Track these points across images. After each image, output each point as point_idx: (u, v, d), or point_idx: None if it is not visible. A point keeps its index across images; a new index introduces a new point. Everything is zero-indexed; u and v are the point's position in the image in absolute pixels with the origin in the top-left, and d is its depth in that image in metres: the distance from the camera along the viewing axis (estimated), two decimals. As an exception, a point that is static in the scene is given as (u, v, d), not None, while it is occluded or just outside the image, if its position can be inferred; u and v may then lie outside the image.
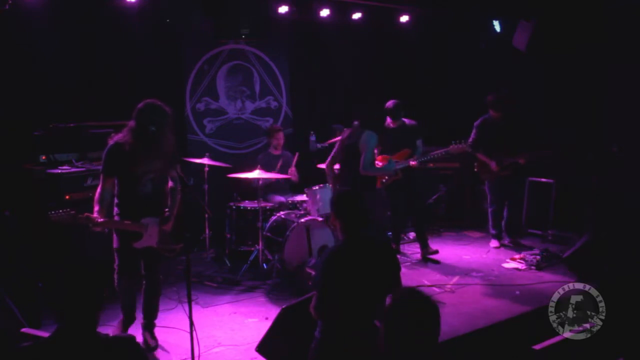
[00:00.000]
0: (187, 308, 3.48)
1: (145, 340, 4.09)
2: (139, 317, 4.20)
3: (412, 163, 5.87)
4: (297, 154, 6.54)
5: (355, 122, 7.30)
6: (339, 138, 6.58)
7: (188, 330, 3.52)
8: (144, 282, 4.13)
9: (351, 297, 3.04)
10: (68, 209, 3.65)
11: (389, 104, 5.99)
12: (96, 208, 3.76)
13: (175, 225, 4.04)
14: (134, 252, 3.92)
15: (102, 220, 3.71)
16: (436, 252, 6.20)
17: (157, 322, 4.25)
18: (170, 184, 4.08)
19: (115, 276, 3.99)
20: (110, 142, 3.84)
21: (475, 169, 6.55)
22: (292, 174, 6.44)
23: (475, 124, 6.39)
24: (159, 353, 4.05)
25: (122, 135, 3.82)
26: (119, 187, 3.90)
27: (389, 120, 6.03)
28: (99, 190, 3.84)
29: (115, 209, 3.94)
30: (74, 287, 2.14)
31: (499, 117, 6.23)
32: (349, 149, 5.17)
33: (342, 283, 3.04)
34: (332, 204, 3.44)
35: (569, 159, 6.80)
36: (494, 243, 6.63)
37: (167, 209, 4.02)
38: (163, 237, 3.96)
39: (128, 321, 4.15)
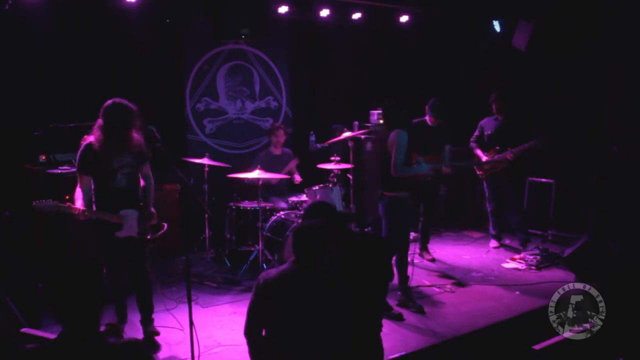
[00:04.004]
0: (186, 308, 3.48)
1: (147, 333, 4.13)
2: (137, 315, 4.22)
3: (445, 170, 5.88)
4: (296, 161, 6.56)
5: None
6: (339, 138, 6.62)
7: (188, 330, 3.52)
8: (132, 275, 4.18)
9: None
10: (51, 199, 3.76)
11: (431, 100, 5.98)
12: (77, 203, 3.89)
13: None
14: (114, 246, 4.01)
15: (84, 209, 3.83)
16: (433, 260, 6.17)
17: (157, 322, 4.27)
18: (142, 182, 4.18)
19: None
20: (83, 143, 3.97)
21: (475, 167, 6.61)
22: (296, 175, 6.48)
23: (480, 122, 6.56)
24: (159, 353, 4.05)
25: (92, 135, 3.95)
26: (94, 185, 4.03)
27: (427, 117, 6.03)
28: (77, 188, 3.97)
29: (94, 207, 4.03)
30: (74, 287, 2.14)
31: (500, 115, 6.34)
32: (381, 151, 4.89)
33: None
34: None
35: (569, 158, 6.81)
36: (493, 243, 6.63)
37: (142, 204, 4.12)
38: (142, 227, 4.06)
39: (120, 315, 4.22)
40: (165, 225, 4.17)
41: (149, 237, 4.11)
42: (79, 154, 3.97)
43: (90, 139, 3.94)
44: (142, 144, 4.05)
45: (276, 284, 2.85)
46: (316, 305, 2.83)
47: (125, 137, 3.93)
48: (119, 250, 4.05)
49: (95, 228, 4.01)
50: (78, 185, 3.97)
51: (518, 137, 6.17)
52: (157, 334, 4.20)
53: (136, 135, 4.02)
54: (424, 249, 6.22)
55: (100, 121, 3.91)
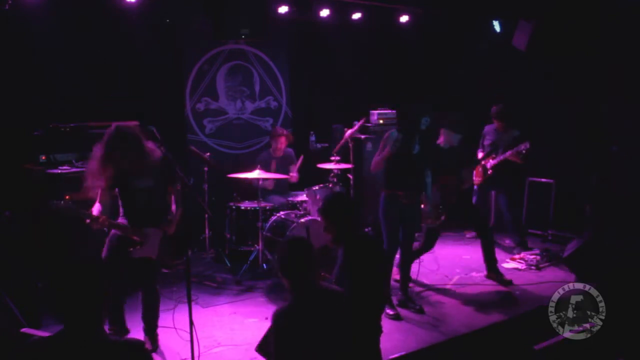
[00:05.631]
0: (186, 308, 3.48)
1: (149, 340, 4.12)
2: (141, 323, 4.22)
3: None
4: (301, 157, 6.51)
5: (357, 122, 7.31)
6: (343, 141, 6.60)
7: (188, 330, 3.53)
8: (142, 292, 4.13)
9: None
10: (69, 202, 3.73)
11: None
12: (94, 211, 3.78)
13: (176, 241, 4.03)
14: (120, 264, 3.89)
15: (104, 217, 3.73)
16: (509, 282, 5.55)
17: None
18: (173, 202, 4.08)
19: None
20: None
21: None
22: (292, 172, 6.43)
23: (485, 129, 6.60)
24: (159, 353, 4.05)
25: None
26: (120, 198, 3.98)
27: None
28: (97, 198, 3.88)
29: (121, 219, 3.98)
30: (74, 286, 2.14)
31: (501, 127, 6.37)
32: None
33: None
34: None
35: (569, 158, 6.81)
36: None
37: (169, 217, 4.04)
38: (164, 250, 3.95)
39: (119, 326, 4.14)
40: (190, 252, 3.86)
41: (167, 262, 4.01)
42: None
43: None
44: (162, 164, 3.85)
45: (292, 317, 2.72)
46: (333, 326, 2.73)
47: (129, 163, 3.79)
48: (121, 269, 3.91)
49: (116, 241, 3.90)
50: (98, 196, 3.87)
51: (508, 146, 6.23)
52: (155, 347, 4.12)
53: (154, 155, 3.83)
54: (490, 270, 5.66)
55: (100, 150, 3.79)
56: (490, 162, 6.36)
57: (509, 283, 5.43)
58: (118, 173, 3.81)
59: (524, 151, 6.01)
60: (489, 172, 6.39)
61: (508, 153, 6.14)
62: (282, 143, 6.41)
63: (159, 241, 3.93)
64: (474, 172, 6.63)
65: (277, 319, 2.72)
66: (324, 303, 2.77)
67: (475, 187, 6.65)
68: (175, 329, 4.35)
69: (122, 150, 3.76)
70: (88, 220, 3.67)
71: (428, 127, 4.81)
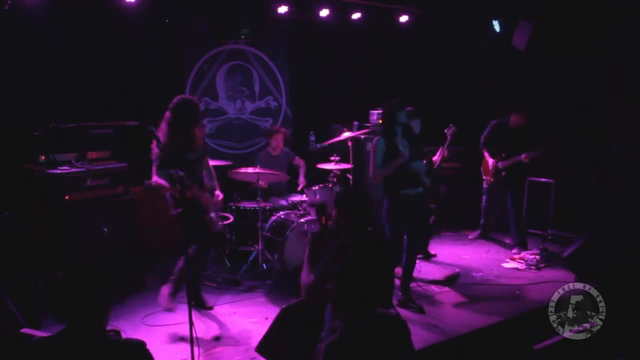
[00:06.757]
0: (186, 308, 3.49)
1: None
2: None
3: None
4: (303, 164, 6.58)
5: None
6: (338, 138, 6.61)
7: (188, 330, 3.53)
8: (193, 256, 4.48)
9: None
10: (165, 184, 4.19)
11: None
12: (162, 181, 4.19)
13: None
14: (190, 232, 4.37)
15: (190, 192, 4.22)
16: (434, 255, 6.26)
17: (157, 321, 4.30)
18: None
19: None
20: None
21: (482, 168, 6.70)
22: (301, 179, 6.48)
23: (491, 122, 6.50)
24: (159, 353, 4.05)
25: (160, 130, 4.27)
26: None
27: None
28: (154, 174, 4.29)
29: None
30: (74, 286, 2.14)
31: (516, 122, 6.25)
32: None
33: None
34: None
35: (569, 158, 6.82)
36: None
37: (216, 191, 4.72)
38: (216, 214, 4.65)
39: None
40: (231, 217, 5.00)
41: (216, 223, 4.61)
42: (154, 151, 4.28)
43: (158, 134, 4.14)
44: (203, 139, 4.65)
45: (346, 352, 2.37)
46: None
47: (191, 133, 4.37)
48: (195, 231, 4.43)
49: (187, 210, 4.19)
50: (155, 176, 4.26)
51: (524, 144, 6.19)
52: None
53: (199, 133, 4.47)
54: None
55: (169, 116, 4.27)
56: (502, 163, 6.33)
57: (434, 256, 6.23)
58: (180, 142, 4.28)
59: (540, 157, 6.08)
60: (502, 174, 6.37)
61: (523, 156, 6.12)
62: (280, 140, 6.41)
63: (213, 205, 4.61)
64: (482, 169, 6.64)
65: (329, 354, 2.34)
66: (382, 333, 2.44)
67: (485, 185, 6.65)
68: (176, 325, 4.36)
69: (193, 118, 4.37)
70: (178, 191, 4.00)
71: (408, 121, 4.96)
